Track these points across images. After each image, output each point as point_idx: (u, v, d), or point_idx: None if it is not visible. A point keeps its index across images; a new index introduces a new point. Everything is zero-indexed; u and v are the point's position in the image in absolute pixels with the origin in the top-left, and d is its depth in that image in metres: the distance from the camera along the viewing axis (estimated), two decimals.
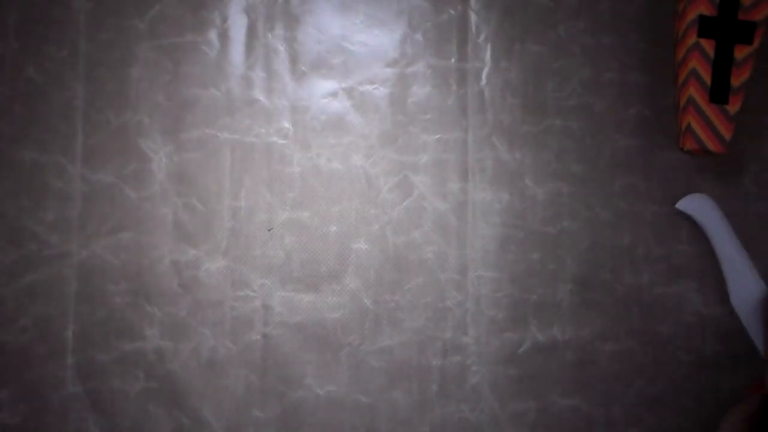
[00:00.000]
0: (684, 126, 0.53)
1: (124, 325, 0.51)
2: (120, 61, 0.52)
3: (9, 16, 0.52)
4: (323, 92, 0.53)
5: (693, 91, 0.52)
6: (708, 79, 0.52)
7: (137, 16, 0.53)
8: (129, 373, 0.50)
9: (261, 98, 0.53)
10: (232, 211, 0.52)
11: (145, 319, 0.51)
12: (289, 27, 0.54)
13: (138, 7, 0.53)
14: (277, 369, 0.51)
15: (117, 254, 0.51)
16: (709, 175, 0.54)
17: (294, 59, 0.53)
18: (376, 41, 0.54)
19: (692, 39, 0.52)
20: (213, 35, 0.53)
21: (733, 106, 0.52)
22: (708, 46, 0.52)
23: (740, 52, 0.52)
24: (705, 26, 0.52)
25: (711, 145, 0.52)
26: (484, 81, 0.54)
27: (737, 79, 0.52)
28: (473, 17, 0.54)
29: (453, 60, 0.54)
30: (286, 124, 0.53)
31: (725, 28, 0.52)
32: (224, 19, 0.53)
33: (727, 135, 0.52)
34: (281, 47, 0.54)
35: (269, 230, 0.52)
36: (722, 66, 0.52)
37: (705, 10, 0.52)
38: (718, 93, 0.52)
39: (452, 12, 0.54)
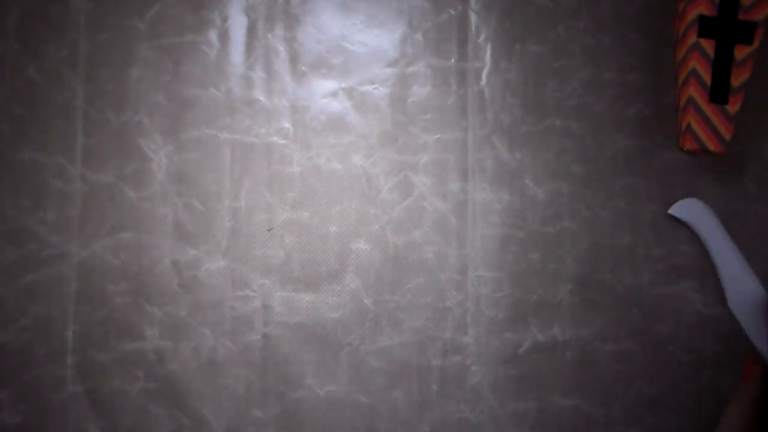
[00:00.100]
0: (684, 126, 0.53)
1: (124, 325, 0.51)
2: (120, 61, 0.52)
3: (9, 16, 0.52)
4: (323, 92, 0.53)
5: (693, 91, 0.52)
6: (708, 79, 0.52)
7: (137, 16, 0.53)
8: (129, 373, 0.50)
9: (261, 98, 0.53)
10: (232, 211, 0.52)
11: (145, 319, 0.51)
12: (289, 27, 0.54)
13: (138, 7, 0.53)
14: (277, 369, 0.51)
15: (117, 254, 0.51)
16: (709, 175, 0.54)
17: (294, 59, 0.53)
18: (376, 41, 0.54)
19: (692, 39, 0.52)
20: (213, 35, 0.53)
21: (733, 106, 0.52)
22: (708, 46, 0.52)
23: (740, 52, 0.52)
24: (705, 26, 0.52)
25: (711, 145, 0.52)
26: (484, 81, 0.54)
27: (737, 79, 0.52)
28: (473, 17, 0.54)
29: (453, 60, 0.54)
30: (286, 124, 0.53)
31: (725, 28, 0.52)
32: (224, 19, 0.53)
33: (727, 135, 0.52)
34: (281, 47, 0.54)
35: (269, 230, 0.52)
36: (722, 66, 0.52)
37: (705, 10, 0.52)
38: (718, 93, 0.52)
39: (452, 12, 0.54)
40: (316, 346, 0.51)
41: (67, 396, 0.50)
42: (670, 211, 0.53)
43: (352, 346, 0.52)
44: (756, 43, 0.52)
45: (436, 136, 0.53)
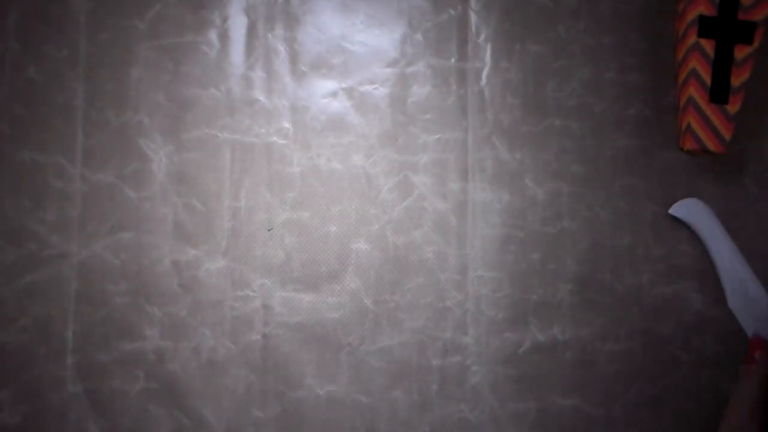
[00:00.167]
0: (684, 126, 0.53)
1: (124, 325, 0.51)
2: (120, 61, 0.52)
3: (9, 16, 0.52)
4: (323, 92, 0.53)
5: (693, 91, 0.52)
6: (708, 79, 0.52)
7: (137, 16, 0.53)
8: (129, 373, 0.50)
9: (261, 98, 0.53)
10: (232, 211, 0.52)
11: (145, 319, 0.51)
12: (289, 27, 0.54)
13: (138, 7, 0.53)
14: (277, 369, 0.51)
15: (117, 254, 0.51)
16: (709, 175, 0.54)
17: (294, 59, 0.53)
18: (376, 41, 0.54)
19: (692, 39, 0.52)
20: (213, 35, 0.53)
21: (733, 106, 0.52)
22: (708, 46, 0.52)
23: (740, 52, 0.52)
24: (705, 26, 0.52)
25: (711, 145, 0.52)
26: (484, 81, 0.54)
27: (737, 79, 0.52)
28: (473, 17, 0.54)
29: (453, 60, 0.54)
30: (286, 124, 0.53)
31: (725, 28, 0.52)
32: (224, 19, 0.53)
33: (727, 135, 0.52)
34: (281, 47, 0.54)
35: (269, 230, 0.52)
36: (722, 66, 0.52)
37: (705, 10, 0.52)
38: (718, 93, 0.52)
39: (452, 12, 0.54)
40: (316, 346, 0.51)
41: (67, 396, 0.50)
42: (671, 211, 0.53)
43: (352, 346, 0.52)
44: (756, 43, 0.52)
45: (436, 136, 0.53)
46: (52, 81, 0.52)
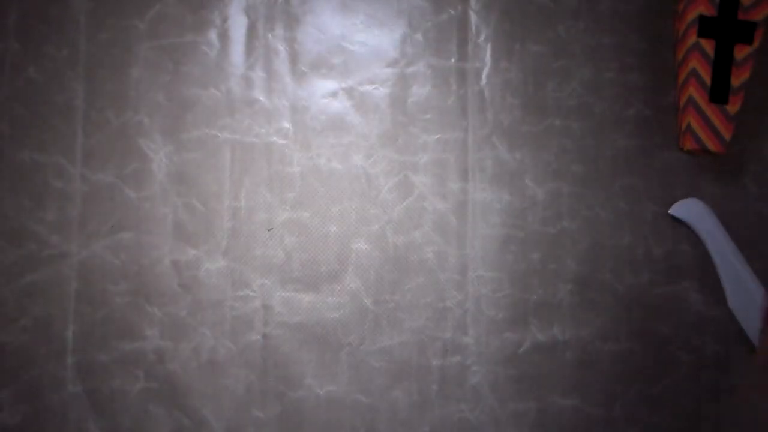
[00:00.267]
0: (684, 126, 0.53)
1: (124, 325, 0.51)
2: (120, 61, 0.52)
3: (9, 16, 0.52)
4: (323, 92, 0.53)
5: (693, 91, 0.52)
6: (708, 79, 0.52)
7: (137, 16, 0.53)
8: (129, 373, 0.50)
9: (261, 98, 0.53)
10: (232, 211, 0.52)
11: (145, 319, 0.51)
12: (289, 27, 0.54)
13: (138, 7, 0.53)
14: (277, 369, 0.51)
15: (117, 254, 0.51)
16: (709, 175, 0.54)
17: (294, 59, 0.53)
18: (376, 41, 0.54)
19: (692, 39, 0.52)
20: (213, 35, 0.53)
21: (733, 106, 0.52)
22: (708, 46, 0.52)
23: (740, 52, 0.52)
24: (705, 26, 0.52)
25: (711, 145, 0.52)
26: (484, 81, 0.54)
27: (737, 79, 0.52)
28: (473, 17, 0.54)
29: (453, 60, 0.54)
30: (286, 124, 0.53)
31: (725, 28, 0.52)
32: (224, 19, 0.53)
33: (727, 135, 0.52)
34: (281, 47, 0.54)
35: (269, 230, 0.52)
36: (722, 66, 0.52)
37: (705, 10, 0.52)
38: (718, 93, 0.52)
39: (452, 12, 0.54)
40: (316, 346, 0.51)
41: (67, 396, 0.50)
42: (671, 211, 0.53)
43: (352, 346, 0.52)
44: (756, 43, 0.52)
45: (436, 136, 0.53)
46: (52, 81, 0.52)
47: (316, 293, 0.52)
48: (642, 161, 0.54)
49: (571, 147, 0.54)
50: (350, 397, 0.51)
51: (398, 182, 0.53)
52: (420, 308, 0.52)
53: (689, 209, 0.53)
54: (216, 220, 0.52)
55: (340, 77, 0.54)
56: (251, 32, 0.53)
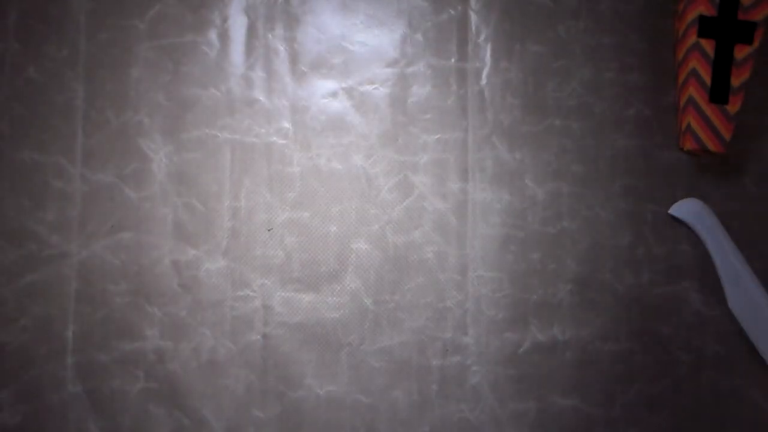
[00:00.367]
0: (684, 126, 0.53)
1: (124, 325, 0.51)
2: (120, 61, 0.52)
3: (9, 16, 0.52)
4: (323, 92, 0.53)
5: (693, 91, 0.52)
6: (708, 79, 0.52)
7: (137, 16, 0.53)
8: (129, 373, 0.50)
9: (261, 98, 0.53)
10: (232, 211, 0.52)
11: (145, 319, 0.51)
12: (289, 27, 0.54)
13: (138, 7, 0.53)
14: (277, 369, 0.51)
15: (117, 254, 0.51)
16: (709, 175, 0.54)
17: (294, 59, 0.53)
18: (376, 41, 0.54)
19: (692, 39, 0.52)
20: (213, 35, 0.53)
21: (733, 106, 0.52)
22: (708, 46, 0.52)
23: (740, 52, 0.52)
24: (705, 26, 0.52)
25: (711, 145, 0.52)
26: (484, 81, 0.54)
27: (737, 79, 0.52)
28: (473, 17, 0.54)
29: (453, 60, 0.54)
30: (286, 124, 0.53)
31: (725, 28, 0.52)
32: (224, 19, 0.53)
33: (727, 135, 0.52)
34: (281, 47, 0.54)
35: (269, 230, 0.52)
36: (722, 66, 0.52)
37: (705, 10, 0.52)
38: (718, 93, 0.52)
39: (452, 12, 0.54)
40: (316, 346, 0.51)
41: (67, 396, 0.50)
42: (671, 211, 0.53)
43: (352, 346, 0.52)
44: (756, 43, 0.52)
45: (436, 136, 0.53)
46: (52, 81, 0.52)
47: (316, 293, 0.52)
48: (642, 161, 0.54)
49: (571, 147, 0.54)
50: (350, 397, 0.51)
51: (398, 182, 0.53)
52: (420, 308, 0.52)
53: (689, 209, 0.53)
54: (216, 220, 0.52)
55: (340, 77, 0.54)
56: (251, 32, 0.53)
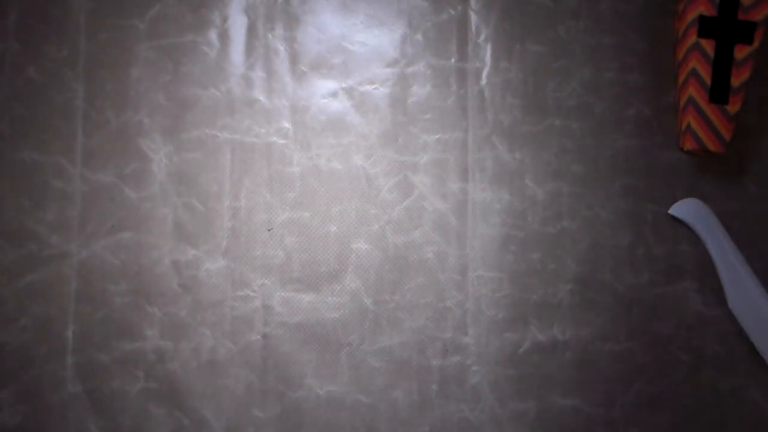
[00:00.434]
0: (684, 126, 0.53)
1: (124, 325, 0.51)
2: (120, 61, 0.52)
3: (9, 16, 0.52)
4: (323, 92, 0.53)
5: (693, 91, 0.52)
6: (708, 79, 0.52)
7: (137, 16, 0.53)
8: (129, 373, 0.50)
9: (261, 98, 0.53)
10: (232, 211, 0.52)
11: (145, 319, 0.51)
12: (289, 27, 0.54)
13: (138, 7, 0.53)
14: (277, 369, 0.51)
15: (117, 254, 0.51)
16: (709, 175, 0.54)
17: (294, 59, 0.54)
18: (376, 41, 0.54)
19: (692, 39, 0.52)
20: (213, 35, 0.53)
21: (733, 106, 0.52)
22: (708, 46, 0.52)
23: (740, 52, 0.52)
24: (705, 26, 0.52)
25: (711, 145, 0.52)
26: (484, 81, 0.54)
27: (737, 79, 0.52)
28: (473, 17, 0.54)
29: (453, 60, 0.54)
30: (286, 124, 0.53)
31: (725, 28, 0.52)
32: (224, 19, 0.53)
33: (727, 135, 0.52)
34: (281, 47, 0.54)
35: (269, 230, 0.52)
36: (722, 66, 0.52)
37: (705, 10, 0.52)
38: (718, 93, 0.52)
39: (452, 12, 0.54)
40: (316, 346, 0.51)
41: (67, 396, 0.50)
42: (671, 211, 0.53)
43: (352, 346, 0.52)
44: (756, 43, 0.52)
45: (436, 136, 0.53)
46: (52, 81, 0.52)
47: (316, 293, 0.52)
48: (642, 161, 0.54)
49: (571, 147, 0.54)
50: (350, 397, 0.51)
51: (398, 182, 0.53)
52: (420, 308, 0.52)
53: (689, 209, 0.53)
54: (216, 220, 0.52)
55: (340, 77, 0.54)
56: (251, 32, 0.53)
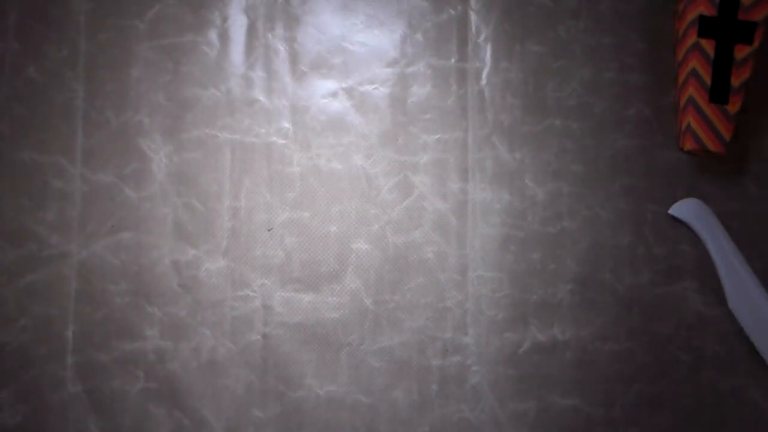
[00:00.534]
0: (684, 126, 0.53)
1: (124, 325, 0.51)
2: (120, 61, 0.52)
3: (9, 16, 0.52)
4: (323, 92, 0.53)
5: (693, 91, 0.52)
6: (708, 79, 0.52)
7: (137, 16, 0.53)
8: (129, 373, 0.50)
9: (261, 98, 0.53)
10: (232, 211, 0.52)
11: (145, 319, 0.51)
12: (289, 27, 0.54)
13: (138, 7, 0.53)
14: (277, 369, 0.51)
15: (117, 254, 0.51)
16: (709, 175, 0.54)
17: (294, 59, 0.54)
18: (376, 41, 0.54)
19: (692, 39, 0.52)
20: (213, 35, 0.53)
21: (733, 106, 0.52)
22: (708, 46, 0.52)
23: (740, 52, 0.52)
24: (705, 26, 0.52)
25: (711, 145, 0.52)
26: (484, 81, 0.54)
27: (737, 79, 0.52)
28: (473, 17, 0.54)
29: (453, 60, 0.54)
30: (286, 124, 0.53)
31: (725, 28, 0.52)
32: (224, 19, 0.53)
33: (727, 135, 0.52)
34: (281, 47, 0.54)
35: (269, 230, 0.52)
36: (722, 66, 0.52)
37: (705, 10, 0.52)
38: (718, 93, 0.52)
39: (452, 12, 0.54)
40: (316, 346, 0.51)
41: (67, 396, 0.50)
42: (671, 211, 0.53)
43: (352, 346, 0.52)
44: (756, 43, 0.52)
45: (436, 136, 0.53)
46: (52, 81, 0.52)
47: (316, 293, 0.52)
48: (642, 161, 0.54)
49: (571, 147, 0.54)
50: (350, 397, 0.51)
51: (398, 182, 0.53)
52: (420, 308, 0.52)
53: (689, 209, 0.53)
54: (216, 220, 0.52)
55: (340, 77, 0.54)
56: (251, 32, 0.53)
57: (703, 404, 0.52)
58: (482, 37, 0.54)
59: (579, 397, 0.52)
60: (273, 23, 0.54)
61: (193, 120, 0.52)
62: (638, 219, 0.54)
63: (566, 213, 0.53)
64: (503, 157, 0.54)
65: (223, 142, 0.52)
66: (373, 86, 0.54)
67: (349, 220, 0.52)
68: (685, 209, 0.53)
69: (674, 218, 0.53)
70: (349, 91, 0.53)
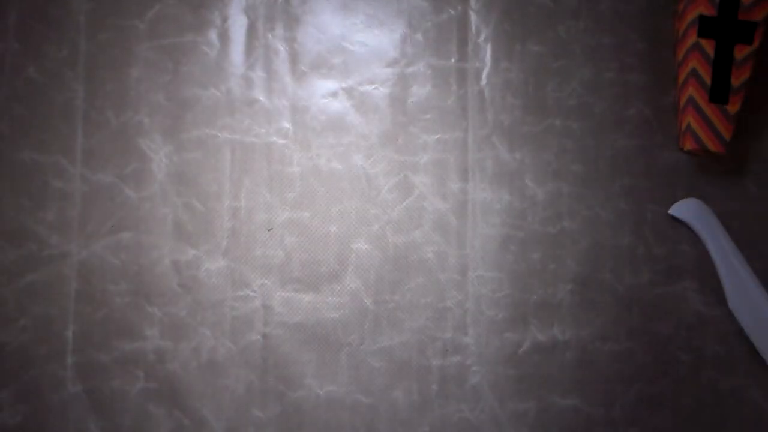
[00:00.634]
0: (684, 126, 0.53)
1: (124, 325, 0.51)
2: (120, 61, 0.52)
3: (9, 16, 0.52)
4: (323, 92, 0.53)
5: (693, 91, 0.52)
6: (708, 79, 0.52)
7: (137, 16, 0.53)
8: (129, 373, 0.50)
9: (261, 98, 0.53)
10: (232, 211, 0.52)
11: (145, 319, 0.51)
12: (289, 27, 0.54)
13: (138, 7, 0.53)
14: (277, 369, 0.51)
15: (117, 254, 0.51)
16: (709, 175, 0.54)
17: (294, 59, 0.54)
18: (376, 41, 0.54)
19: (692, 39, 0.52)
20: (213, 35, 0.53)
21: (733, 106, 0.52)
22: (708, 46, 0.52)
23: (740, 52, 0.52)
24: (705, 26, 0.52)
25: (711, 145, 0.52)
26: (484, 81, 0.54)
27: (737, 79, 0.52)
28: (473, 17, 0.54)
29: (453, 60, 0.54)
30: (286, 124, 0.53)
31: (725, 28, 0.52)
32: (224, 19, 0.53)
33: (727, 135, 0.52)
34: (281, 47, 0.54)
35: (269, 230, 0.52)
36: (722, 66, 0.52)
37: (705, 10, 0.52)
38: (718, 93, 0.52)
39: (452, 12, 0.54)
40: (316, 346, 0.51)
41: (67, 396, 0.50)
42: (671, 211, 0.53)
43: (352, 346, 0.52)
44: (756, 43, 0.52)
45: (436, 136, 0.53)
46: (52, 81, 0.52)
47: (316, 293, 0.52)
48: (642, 161, 0.54)
49: (571, 147, 0.54)
50: (350, 397, 0.51)
51: (398, 182, 0.53)
52: (420, 308, 0.52)
53: (689, 209, 0.53)
54: (216, 220, 0.52)
55: (340, 77, 0.54)
56: (251, 32, 0.53)
57: (703, 404, 0.52)
58: (482, 37, 0.54)
59: (579, 397, 0.52)
60: (273, 23, 0.54)
61: (193, 120, 0.52)
62: (638, 219, 0.54)
63: (566, 213, 0.53)
64: (503, 157, 0.54)
65: (223, 142, 0.52)
66: (373, 86, 0.54)
67: (349, 220, 0.52)
68: (685, 209, 0.53)
69: (674, 218, 0.53)
70: (349, 91, 0.53)
